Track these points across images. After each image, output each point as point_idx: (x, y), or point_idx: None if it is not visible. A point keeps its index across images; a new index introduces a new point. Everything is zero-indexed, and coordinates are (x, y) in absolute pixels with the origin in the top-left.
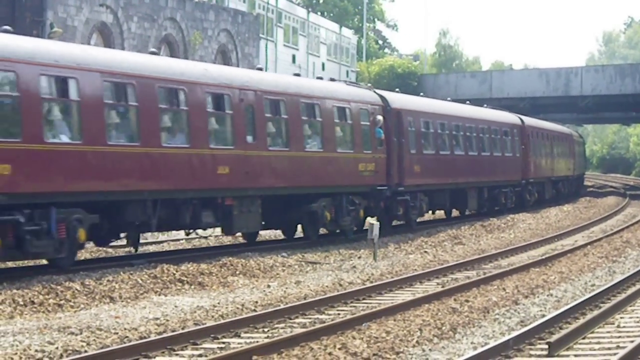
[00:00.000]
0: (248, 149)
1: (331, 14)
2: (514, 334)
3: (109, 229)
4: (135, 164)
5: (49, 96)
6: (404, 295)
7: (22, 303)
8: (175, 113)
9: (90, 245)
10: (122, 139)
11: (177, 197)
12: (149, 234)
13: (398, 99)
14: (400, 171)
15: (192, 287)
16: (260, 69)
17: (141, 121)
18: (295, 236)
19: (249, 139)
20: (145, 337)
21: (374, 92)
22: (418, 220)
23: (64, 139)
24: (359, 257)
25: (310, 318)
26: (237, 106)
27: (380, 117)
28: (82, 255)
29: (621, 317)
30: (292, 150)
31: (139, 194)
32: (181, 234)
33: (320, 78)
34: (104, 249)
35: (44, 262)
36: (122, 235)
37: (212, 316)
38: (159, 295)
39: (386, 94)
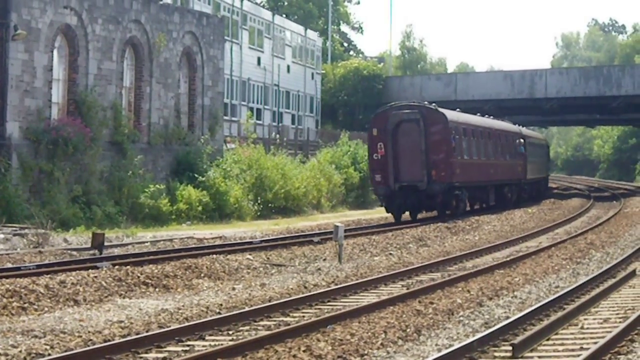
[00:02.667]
0: (498, 159)
1: (296, 17)
2: (478, 335)
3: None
4: (488, 169)
5: (460, 136)
6: (368, 298)
7: None
8: (492, 144)
9: (53, 248)
10: (483, 156)
11: (486, 186)
12: (114, 236)
13: (524, 130)
14: (526, 170)
15: (157, 289)
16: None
17: (490, 148)
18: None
19: (497, 154)
20: (109, 340)
21: (517, 125)
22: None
23: (467, 157)
24: (324, 260)
25: (275, 320)
26: (494, 136)
27: (521, 140)
28: (46, 258)
29: (585, 319)
30: (506, 160)
31: (484, 182)
32: (146, 236)
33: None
34: (69, 251)
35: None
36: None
37: (177, 319)
38: (124, 298)
39: (519, 127)
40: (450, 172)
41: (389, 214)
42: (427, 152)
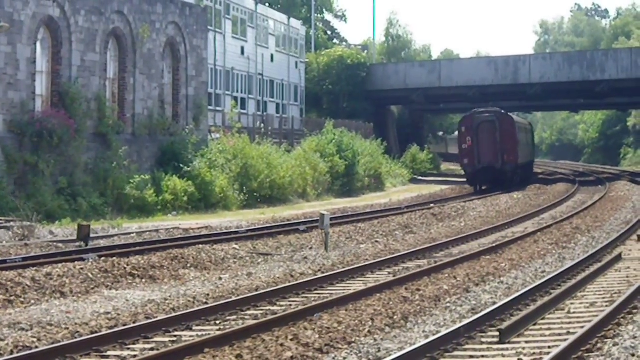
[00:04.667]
0: (526, 147)
1: (279, 5)
2: (466, 321)
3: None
4: (526, 153)
5: (519, 132)
6: (355, 285)
7: None
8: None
9: (39, 240)
10: (525, 145)
11: (523, 165)
12: (99, 227)
13: (531, 122)
14: (533, 154)
15: (143, 280)
16: None
17: (525, 139)
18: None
19: (526, 143)
20: (96, 332)
21: (525, 119)
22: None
23: (522, 147)
24: (311, 248)
25: (262, 309)
26: (524, 130)
27: (531, 131)
28: (32, 250)
29: (571, 303)
30: (528, 147)
31: (524, 163)
32: (132, 227)
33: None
34: (55, 244)
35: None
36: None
37: (164, 309)
38: (110, 289)
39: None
40: (515, 156)
41: (374, 202)
42: (500, 143)
